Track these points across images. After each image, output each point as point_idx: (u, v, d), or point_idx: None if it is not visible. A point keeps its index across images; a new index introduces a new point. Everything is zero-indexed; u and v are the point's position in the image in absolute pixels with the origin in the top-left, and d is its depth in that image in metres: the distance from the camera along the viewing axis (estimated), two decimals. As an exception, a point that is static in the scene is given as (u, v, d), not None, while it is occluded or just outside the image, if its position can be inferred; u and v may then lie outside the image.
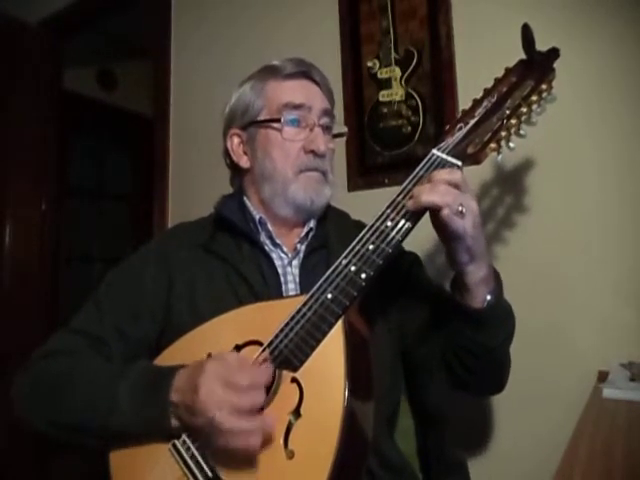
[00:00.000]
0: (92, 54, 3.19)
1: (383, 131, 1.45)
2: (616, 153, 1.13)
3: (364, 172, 1.48)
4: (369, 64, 1.49)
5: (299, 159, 0.91)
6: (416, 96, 1.41)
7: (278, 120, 0.91)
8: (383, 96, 1.46)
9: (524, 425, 1.19)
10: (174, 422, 0.72)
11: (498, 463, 1.22)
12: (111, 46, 3.26)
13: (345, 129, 1.07)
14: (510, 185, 1.23)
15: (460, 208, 0.69)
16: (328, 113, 0.96)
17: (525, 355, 1.16)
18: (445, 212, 0.69)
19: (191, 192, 1.92)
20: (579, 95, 1.16)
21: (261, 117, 0.94)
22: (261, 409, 0.68)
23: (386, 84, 1.46)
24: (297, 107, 0.92)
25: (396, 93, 1.44)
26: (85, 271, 3.28)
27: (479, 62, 1.30)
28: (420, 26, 1.41)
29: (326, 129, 0.96)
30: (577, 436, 0.74)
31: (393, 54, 1.45)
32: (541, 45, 0.83)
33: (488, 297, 0.77)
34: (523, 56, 0.82)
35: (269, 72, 0.96)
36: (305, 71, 0.95)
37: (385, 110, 1.46)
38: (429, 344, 0.89)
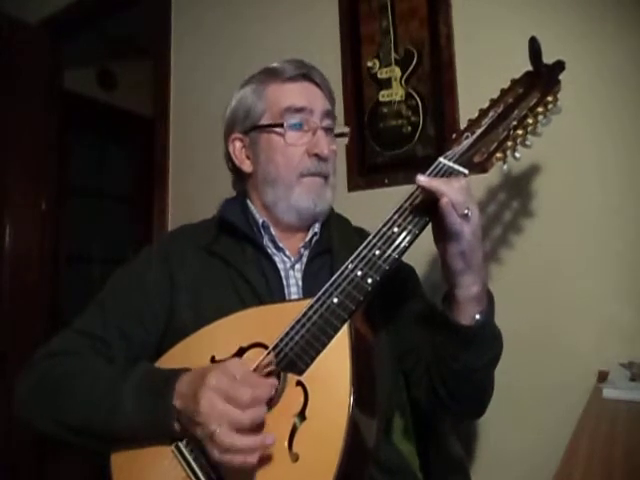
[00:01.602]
0: (92, 54, 3.18)
1: (383, 131, 1.45)
2: (618, 157, 1.13)
3: (364, 172, 1.48)
4: (369, 64, 1.49)
5: (302, 163, 0.91)
6: (416, 96, 1.41)
7: (281, 125, 0.91)
8: (383, 96, 1.46)
9: (524, 425, 1.19)
10: (177, 426, 0.71)
11: (498, 463, 1.22)
12: (111, 46, 3.25)
13: (347, 129, 1.07)
14: (514, 190, 1.23)
15: (467, 211, 0.70)
16: (330, 115, 0.95)
17: (525, 355, 1.17)
18: (444, 200, 0.69)
19: (191, 192, 1.92)
20: (582, 99, 1.15)
21: (263, 121, 0.93)
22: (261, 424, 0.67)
23: (386, 84, 1.46)
24: (299, 110, 0.91)
25: (396, 93, 1.44)
26: (85, 271, 3.27)
27: (479, 62, 1.30)
28: (420, 26, 1.41)
29: (328, 131, 0.95)
30: (577, 436, 0.74)
31: (393, 54, 1.45)
32: (541, 43, 0.83)
33: (477, 316, 0.77)
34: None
35: (270, 75, 0.95)
36: (306, 73, 0.94)
37: (385, 110, 1.45)
38: (416, 357, 0.89)
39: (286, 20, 1.69)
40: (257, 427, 0.66)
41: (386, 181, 1.42)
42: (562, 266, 1.17)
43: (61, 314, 2.51)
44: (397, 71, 1.44)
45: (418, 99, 1.40)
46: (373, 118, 1.47)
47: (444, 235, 0.73)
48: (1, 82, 2.30)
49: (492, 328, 0.81)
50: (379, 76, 1.47)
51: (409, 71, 1.42)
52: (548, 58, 0.85)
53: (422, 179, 0.72)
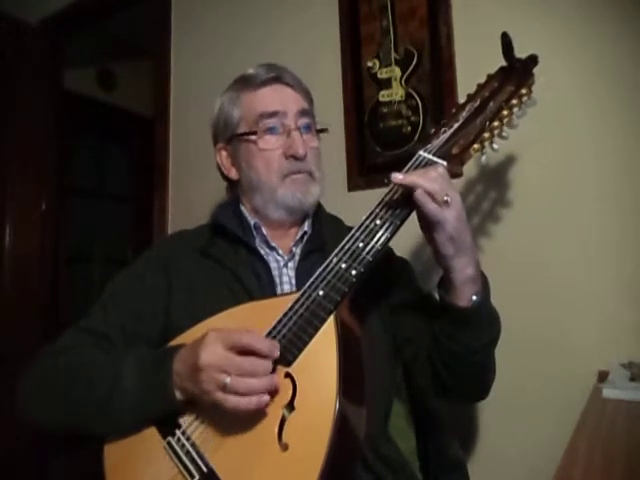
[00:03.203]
0: (92, 54, 3.19)
1: (383, 131, 1.45)
2: (616, 153, 1.13)
3: (364, 172, 1.48)
4: (369, 64, 1.49)
5: (281, 165, 0.92)
6: (416, 96, 1.41)
7: (255, 132, 0.93)
8: (383, 96, 1.46)
9: (524, 425, 1.19)
10: (178, 394, 0.73)
11: (498, 463, 1.22)
12: (111, 46, 3.25)
13: (326, 127, 1.06)
14: (510, 186, 1.23)
15: (446, 198, 0.72)
16: (306, 113, 0.96)
17: (525, 355, 1.17)
18: (418, 192, 0.72)
19: (191, 192, 1.92)
20: (579, 95, 1.16)
21: (240, 130, 0.96)
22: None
23: (386, 84, 1.46)
24: (272, 115, 0.93)
25: (396, 93, 1.44)
26: (85, 271, 3.28)
27: (479, 62, 1.29)
28: (420, 26, 1.41)
29: (307, 128, 0.96)
30: (577, 436, 0.74)
31: (393, 54, 1.45)
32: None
33: (474, 297, 0.78)
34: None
35: (243, 83, 0.97)
36: (276, 76, 0.95)
37: (385, 110, 1.45)
38: (415, 345, 0.91)
39: (286, 20, 1.69)
40: (259, 374, 0.67)
41: (386, 181, 1.42)
42: (561, 264, 1.17)
43: (61, 314, 2.51)
44: (397, 71, 1.44)
45: (418, 99, 1.40)
46: (373, 118, 1.47)
47: (428, 224, 0.75)
48: (1, 82, 2.30)
49: (489, 308, 0.82)
50: (379, 76, 1.47)
51: (409, 71, 1.42)
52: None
53: (397, 177, 0.75)
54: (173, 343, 0.82)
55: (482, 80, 0.87)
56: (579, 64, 1.16)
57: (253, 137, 0.93)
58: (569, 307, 1.16)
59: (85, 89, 3.22)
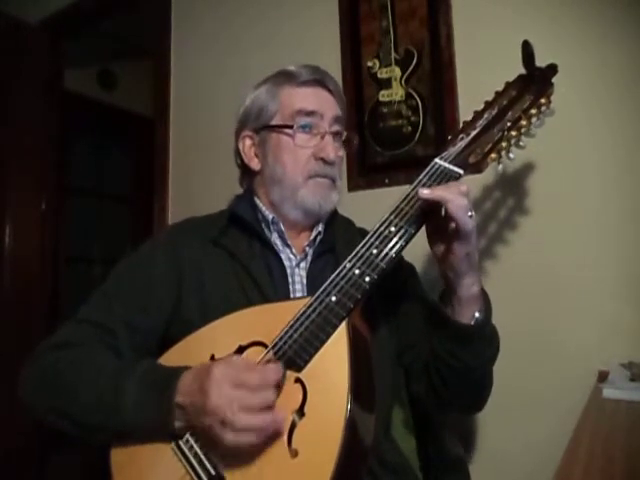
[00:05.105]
0: (92, 54, 3.19)
1: (383, 131, 1.45)
2: (616, 154, 1.13)
3: (364, 172, 1.48)
4: (369, 64, 1.49)
5: (309, 165, 0.92)
6: (416, 96, 1.41)
7: (291, 126, 0.92)
8: (383, 96, 1.46)
9: (524, 425, 1.19)
10: (178, 424, 0.72)
11: (498, 463, 1.22)
12: (111, 46, 3.26)
13: (356, 139, 1.07)
14: (513, 188, 1.23)
15: (470, 213, 0.72)
16: (339, 121, 0.97)
17: (525, 355, 1.17)
18: (455, 204, 0.71)
19: (191, 192, 1.92)
20: (580, 97, 1.16)
21: (274, 122, 0.95)
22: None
23: (386, 84, 1.46)
24: (309, 114, 0.93)
25: (396, 93, 1.44)
26: (85, 271, 3.28)
27: (479, 62, 1.30)
28: (420, 26, 1.41)
29: (337, 136, 0.96)
30: (577, 436, 0.74)
31: (393, 54, 1.45)
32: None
33: (477, 314, 0.78)
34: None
35: (284, 77, 0.96)
36: (320, 79, 0.95)
37: (385, 110, 1.46)
38: (415, 352, 0.91)
39: (286, 20, 1.69)
40: (267, 409, 0.66)
41: (386, 181, 1.42)
42: (561, 265, 1.17)
43: (61, 314, 2.51)
44: (397, 71, 1.44)
45: (418, 99, 1.40)
46: (373, 118, 1.47)
47: (452, 238, 0.74)
48: (1, 82, 2.30)
49: (490, 326, 0.82)
50: (379, 76, 1.47)
51: (409, 71, 1.42)
52: (548, 57, 0.85)
53: (425, 192, 0.73)
54: (178, 346, 0.81)
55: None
56: (579, 64, 1.15)
57: (289, 131, 0.93)
58: (569, 307, 1.16)
59: (85, 89, 3.22)
